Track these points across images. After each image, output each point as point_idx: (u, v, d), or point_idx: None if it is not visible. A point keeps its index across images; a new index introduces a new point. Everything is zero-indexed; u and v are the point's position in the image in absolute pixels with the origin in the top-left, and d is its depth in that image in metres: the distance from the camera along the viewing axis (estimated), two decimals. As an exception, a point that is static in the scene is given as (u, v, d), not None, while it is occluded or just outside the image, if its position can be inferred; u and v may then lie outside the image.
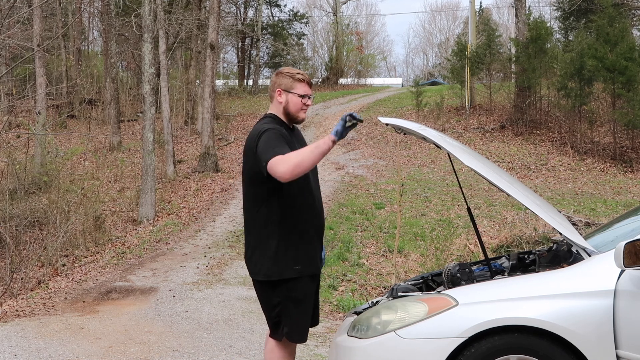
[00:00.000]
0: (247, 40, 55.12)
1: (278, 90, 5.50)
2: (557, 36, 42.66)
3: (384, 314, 5.20)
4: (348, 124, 5.10)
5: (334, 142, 5.09)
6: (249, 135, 5.44)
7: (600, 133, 27.60)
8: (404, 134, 6.19)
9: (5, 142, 23.34)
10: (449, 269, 5.66)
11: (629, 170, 24.31)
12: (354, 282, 12.75)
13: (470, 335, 4.81)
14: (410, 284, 6.04)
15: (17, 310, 10.91)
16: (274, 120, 5.51)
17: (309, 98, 5.61)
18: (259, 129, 5.33)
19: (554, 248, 6.04)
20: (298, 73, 5.56)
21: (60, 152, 25.85)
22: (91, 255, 16.28)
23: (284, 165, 4.96)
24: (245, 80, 54.28)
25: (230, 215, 19.24)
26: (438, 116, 31.51)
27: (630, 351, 4.71)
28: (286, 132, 5.45)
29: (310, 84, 5.63)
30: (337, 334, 5.74)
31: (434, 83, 55.91)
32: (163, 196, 22.04)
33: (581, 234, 5.81)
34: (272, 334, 5.50)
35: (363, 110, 36.67)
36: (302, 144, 5.65)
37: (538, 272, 5.33)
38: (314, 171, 5.60)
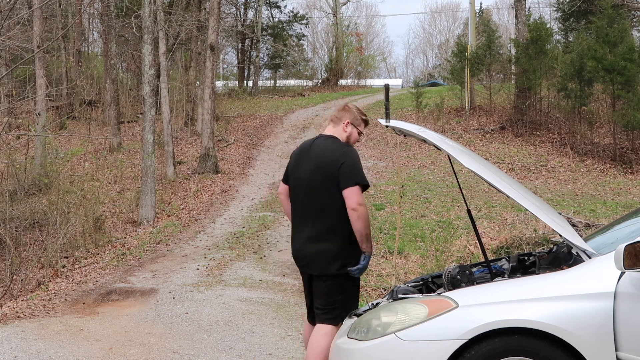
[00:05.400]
0: (247, 42, 55.09)
1: (347, 122, 6.39)
2: (557, 37, 42.67)
3: (384, 316, 5.21)
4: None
5: (368, 249, 6.09)
6: (330, 149, 6.26)
7: (600, 134, 27.61)
8: (404, 135, 6.21)
9: (5, 143, 23.33)
10: (449, 271, 5.67)
11: (629, 171, 24.31)
12: (354, 283, 12.75)
13: (470, 337, 4.82)
14: (410, 286, 6.04)
15: (17, 312, 10.91)
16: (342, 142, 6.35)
17: (362, 135, 6.63)
18: (345, 148, 6.24)
19: (554, 250, 6.04)
20: (364, 114, 6.56)
21: (60, 153, 25.86)
22: (91, 257, 16.26)
23: (362, 211, 5.98)
24: (245, 82, 54.25)
25: (230, 217, 19.24)
26: (438, 117, 31.51)
27: (630, 353, 4.71)
28: None
29: (367, 125, 6.64)
30: (337, 336, 5.75)
31: (433, 84, 55.90)
32: (163, 197, 22.04)
33: (581, 235, 5.81)
34: (329, 321, 6.11)
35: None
36: None
37: (538, 274, 5.33)
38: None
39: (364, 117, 6.50)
